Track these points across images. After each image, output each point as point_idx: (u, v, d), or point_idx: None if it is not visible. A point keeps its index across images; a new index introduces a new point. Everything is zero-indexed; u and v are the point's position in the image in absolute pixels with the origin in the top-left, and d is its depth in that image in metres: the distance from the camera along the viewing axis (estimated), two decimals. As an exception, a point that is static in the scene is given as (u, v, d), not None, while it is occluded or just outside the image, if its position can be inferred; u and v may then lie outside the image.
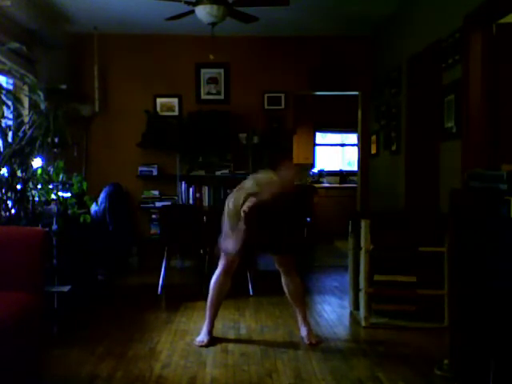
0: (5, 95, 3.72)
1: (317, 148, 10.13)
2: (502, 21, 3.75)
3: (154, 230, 6.43)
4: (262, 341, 3.71)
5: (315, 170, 10.02)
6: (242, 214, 3.34)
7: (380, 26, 6.29)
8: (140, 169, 6.56)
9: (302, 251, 5.99)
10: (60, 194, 3.96)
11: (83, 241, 4.58)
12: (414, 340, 3.70)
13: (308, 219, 6.47)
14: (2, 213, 3.77)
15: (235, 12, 4.87)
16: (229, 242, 3.50)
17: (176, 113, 6.69)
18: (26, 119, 4.14)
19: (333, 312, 4.49)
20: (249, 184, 3.61)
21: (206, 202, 6.45)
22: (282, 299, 4.02)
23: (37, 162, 3.96)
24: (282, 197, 3.37)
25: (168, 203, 6.41)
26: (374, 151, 6.56)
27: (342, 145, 10.40)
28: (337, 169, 10.14)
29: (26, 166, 3.89)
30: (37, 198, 3.92)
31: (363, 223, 4.02)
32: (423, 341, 3.69)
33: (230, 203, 3.59)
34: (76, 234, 4.33)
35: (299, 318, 3.78)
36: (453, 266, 3.26)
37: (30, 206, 3.89)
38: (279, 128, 6.69)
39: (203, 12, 4.64)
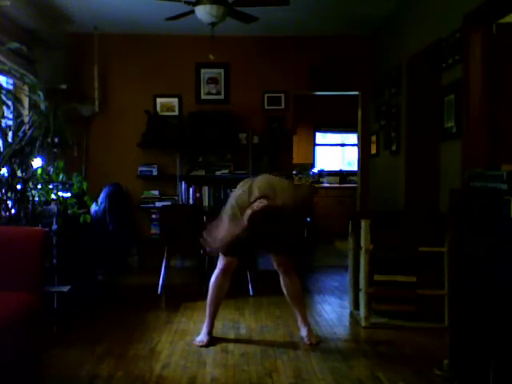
0: (5, 95, 3.73)
1: (317, 148, 10.13)
2: (502, 21, 3.75)
3: (154, 230, 6.43)
4: (261, 341, 3.71)
5: (315, 170, 10.02)
6: (249, 211, 3.27)
7: (380, 26, 6.29)
8: (140, 169, 6.56)
9: (301, 251, 5.99)
10: (60, 193, 3.96)
11: (83, 241, 4.58)
12: (414, 340, 3.70)
13: (308, 219, 6.48)
14: (2, 213, 3.77)
15: (235, 12, 4.87)
16: (219, 235, 3.42)
17: (176, 113, 6.69)
18: (26, 119, 4.14)
19: (333, 312, 4.49)
20: (262, 184, 3.48)
21: (206, 202, 6.45)
22: (282, 299, 4.02)
23: (37, 162, 3.96)
24: (290, 208, 3.36)
25: (168, 203, 6.41)
26: (374, 151, 6.56)
27: (342, 145, 10.40)
28: (337, 169, 10.14)
29: (26, 166, 3.89)
30: (37, 198, 3.92)
31: (363, 223, 4.02)
32: (423, 341, 3.69)
33: (235, 198, 3.51)
34: (76, 234, 4.33)
35: (299, 319, 3.78)
36: (453, 266, 3.26)
37: (30, 206, 3.89)
38: (279, 128, 6.69)
39: (203, 12, 4.64)
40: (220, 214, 3.57)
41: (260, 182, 3.53)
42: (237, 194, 3.55)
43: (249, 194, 3.43)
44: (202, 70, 6.73)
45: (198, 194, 6.46)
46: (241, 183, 3.66)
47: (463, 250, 2.84)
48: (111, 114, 6.62)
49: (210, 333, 3.69)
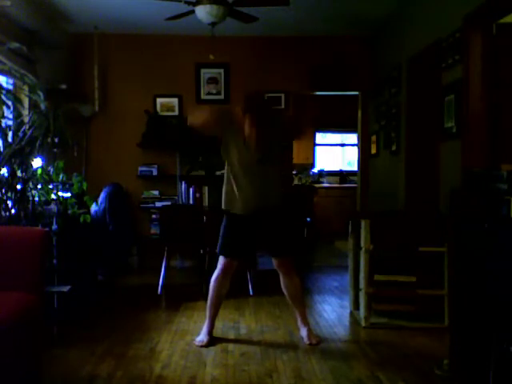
0: (5, 95, 3.73)
1: (317, 148, 10.13)
2: (502, 21, 3.75)
3: (154, 230, 6.42)
4: (262, 341, 3.71)
5: (315, 170, 10.02)
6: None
7: (380, 26, 6.28)
8: (140, 169, 6.56)
9: (301, 251, 5.99)
10: (60, 193, 3.96)
11: (83, 241, 4.58)
12: (414, 340, 3.70)
13: (308, 219, 6.48)
14: (2, 213, 3.77)
15: (235, 12, 4.86)
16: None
17: (176, 113, 6.69)
18: (26, 119, 4.14)
19: (333, 312, 4.49)
20: None
21: (205, 202, 6.45)
22: (282, 299, 4.02)
23: (37, 162, 3.96)
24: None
25: (168, 203, 6.41)
26: (374, 151, 6.56)
27: (342, 145, 10.40)
28: (337, 169, 10.14)
29: (26, 166, 3.89)
30: (37, 198, 3.92)
31: (363, 223, 4.02)
32: (423, 341, 3.69)
33: None
34: (76, 234, 4.33)
35: (298, 319, 3.78)
36: (453, 266, 3.26)
37: (29, 206, 3.89)
38: (279, 128, 6.68)
39: (203, 12, 4.64)
40: None
41: None
42: None
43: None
44: (202, 70, 6.72)
45: (197, 194, 6.46)
46: None
47: (463, 250, 2.84)
48: (111, 114, 6.61)
49: (210, 333, 3.69)
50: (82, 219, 4.03)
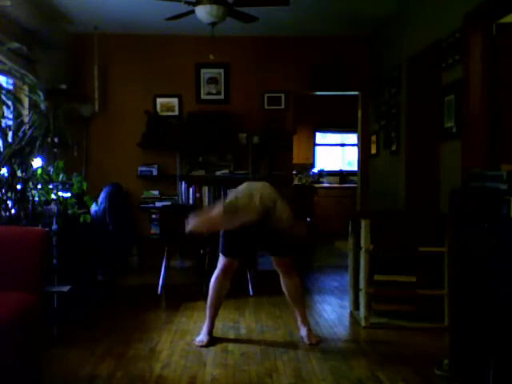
0: (5, 95, 3.73)
1: (317, 148, 10.13)
2: (502, 21, 3.75)
3: (154, 230, 6.43)
4: (262, 341, 3.71)
5: (315, 170, 10.02)
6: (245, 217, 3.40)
7: (380, 26, 6.28)
8: (140, 169, 6.56)
9: (301, 251, 5.99)
10: (60, 194, 3.96)
11: (83, 241, 4.58)
12: (414, 340, 3.71)
13: (308, 219, 6.48)
14: (2, 213, 3.77)
15: (235, 12, 4.87)
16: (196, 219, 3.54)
17: (176, 113, 6.69)
18: (26, 119, 4.14)
19: (333, 312, 4.49)
20: (264, 194, 3.52)
21: (206, 202, 6.45)
22: (282, 299, 4.02)
23: (37, 162, 3.96)
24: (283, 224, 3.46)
25: (168, 203, 6.41)
26: (374, 151, 6.56)
27: (342, 145, 10.40)
28: (337, 169, 10.14)
29: (26, 166, 3.89)
30: (37, 198, 3.92)
31: (363, 223, 4.02)
32: (423, 341, 3.69)
33: (236, 197, 3.55)
34: (76, 234, 4.33)
35: (298, 319, 3.78)
36: (453, 266, 3.26)
37: (29, 206, 3.89)
38: (279, 128, 6.69)
39: (203, 12, 4.64)
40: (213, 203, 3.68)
41: (262, 191, 3.55)
42: (238, 195, 3.55)
43: (250, 198, 3.49)
44: (202, 70, 6.73)
45: (197, 194, 6.46)
46: (244, 185, 3.67)
47: (463, 250, 2.84)
48: (111, 114, 6.62)
49: (210, 333, 3.69)
50: (82, 219, 4.03)
